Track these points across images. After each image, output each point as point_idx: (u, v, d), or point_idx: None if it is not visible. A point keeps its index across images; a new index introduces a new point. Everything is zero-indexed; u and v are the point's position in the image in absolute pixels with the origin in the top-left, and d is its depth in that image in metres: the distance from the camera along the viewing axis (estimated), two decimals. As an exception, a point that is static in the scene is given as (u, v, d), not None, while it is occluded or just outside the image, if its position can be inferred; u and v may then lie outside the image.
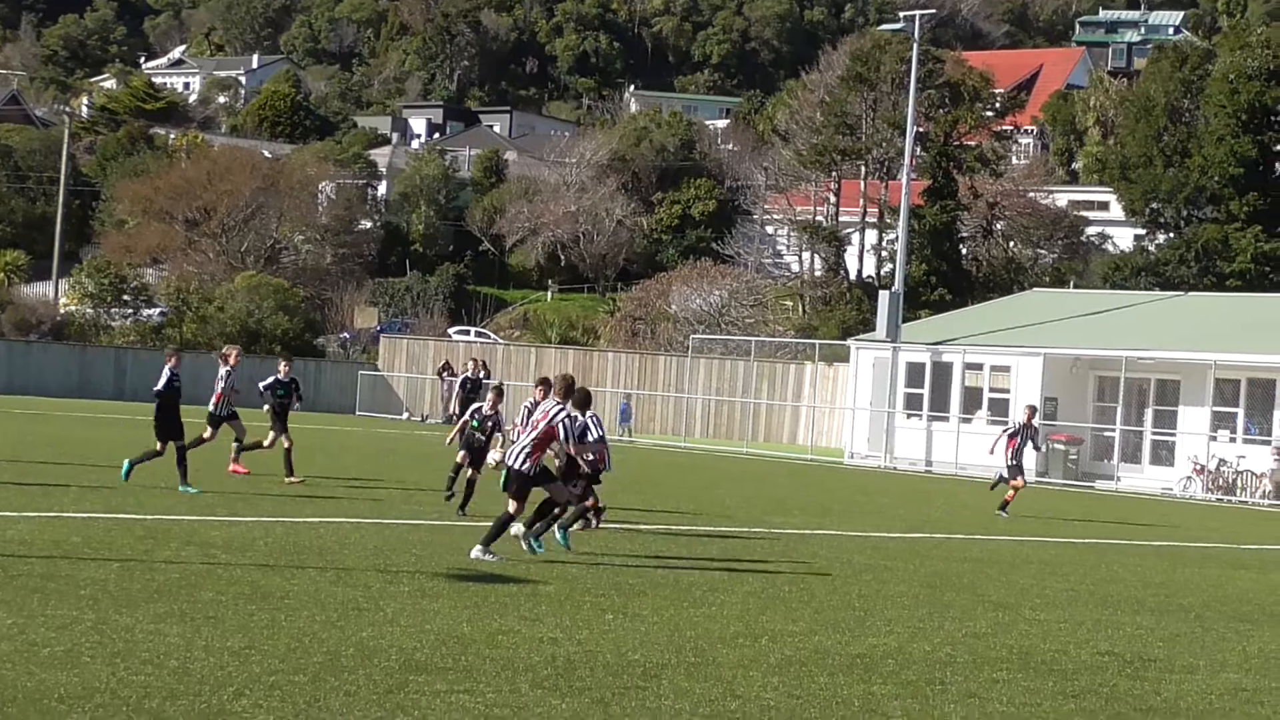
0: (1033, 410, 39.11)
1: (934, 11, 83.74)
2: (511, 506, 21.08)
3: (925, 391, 61.19)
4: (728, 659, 14.91)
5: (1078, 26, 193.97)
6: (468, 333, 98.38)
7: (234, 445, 32.43)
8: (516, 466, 21.17)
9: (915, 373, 61.78)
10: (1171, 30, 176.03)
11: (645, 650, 15.03)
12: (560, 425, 21.49)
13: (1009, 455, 37.11)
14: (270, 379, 33.26)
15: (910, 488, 47.69)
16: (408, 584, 18.28)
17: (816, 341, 75.05)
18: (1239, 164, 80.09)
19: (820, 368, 72.24)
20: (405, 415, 79.41)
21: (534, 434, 21.31)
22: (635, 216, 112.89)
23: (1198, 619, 20.13)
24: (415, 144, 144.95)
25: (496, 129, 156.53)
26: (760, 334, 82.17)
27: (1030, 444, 38.34)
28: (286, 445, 31.70)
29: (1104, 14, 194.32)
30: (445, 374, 73.20)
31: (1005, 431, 38.54)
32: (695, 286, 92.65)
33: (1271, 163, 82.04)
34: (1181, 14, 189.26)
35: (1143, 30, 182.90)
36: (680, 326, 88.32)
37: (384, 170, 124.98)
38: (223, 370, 31.86)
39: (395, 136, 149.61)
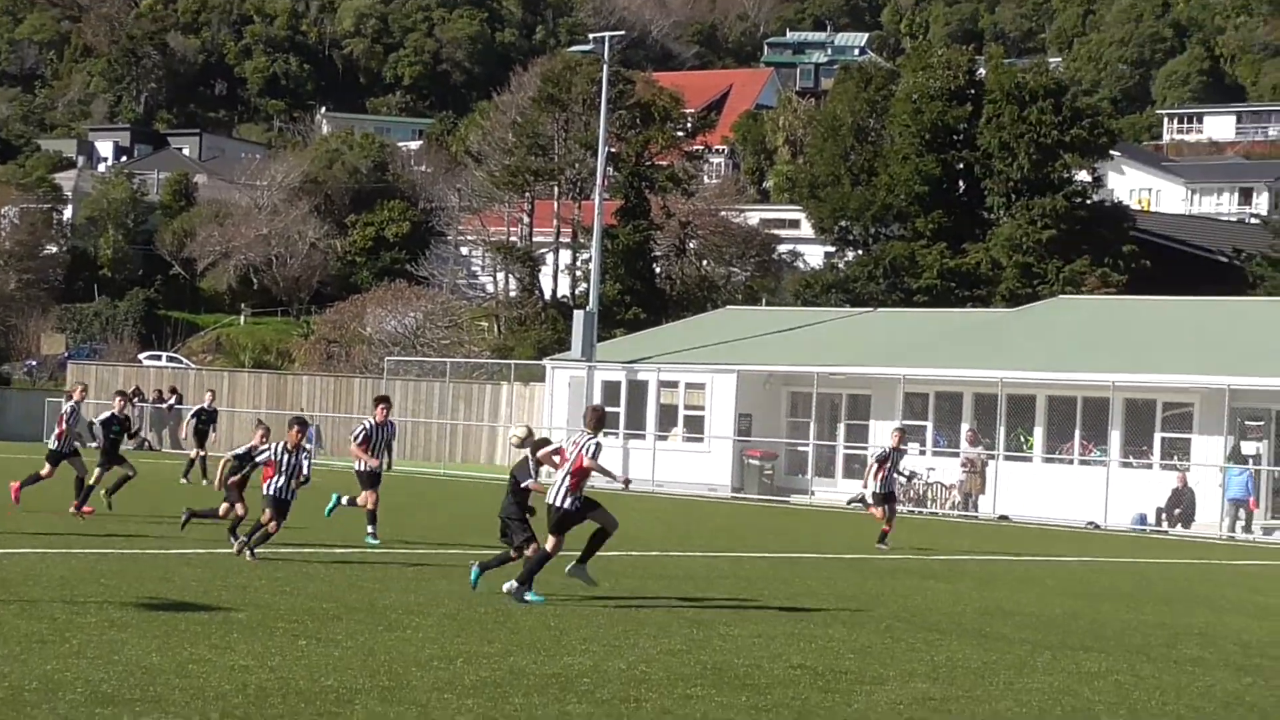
0: (901, 434, 37.66)
1: (624, 33, 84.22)
2: (550, 544, 21.35)
3: (621, 410, 61.51)
4: (423, 682, 14.81)
5: (766, 48, 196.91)
6: (159, 358, 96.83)
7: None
8: (560, 505, 21.29)
9: (611, 391, 62.06)
10: (857, 51, 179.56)
11: (339, 675, 14.87)
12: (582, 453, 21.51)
13: (878, 482, 35.60)
14: (106, 415, 33.18)
15: (607, 505, 47.80)
16: (95, 614, 17.88)
17: (512, 362, 75.18)
18: (924, 182, 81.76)
19: (516, 388, 72.30)
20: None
21: (568, 469, 21.43)
22: (329, 239, 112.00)
23: (888, 630, 20.45)
24: (102, 167, 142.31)
25: (186, 152, 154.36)
26: (456, 355, 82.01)
27: (895, 471, 36.65)
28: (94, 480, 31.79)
29: (791, 35, 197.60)
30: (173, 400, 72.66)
31: (874, 458, 37.29)
32: (390, 308, 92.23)
33: (955, 180, 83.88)
34: (866, 35, 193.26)
35: (829, 51, 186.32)
36: (375, 349, 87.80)
37: (69, 194, 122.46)
38: (66, 406, 31.98)
39: (81, 160, 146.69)
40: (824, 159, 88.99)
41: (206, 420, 45.58)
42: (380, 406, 29.73)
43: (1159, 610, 25.19)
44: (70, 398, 32.23)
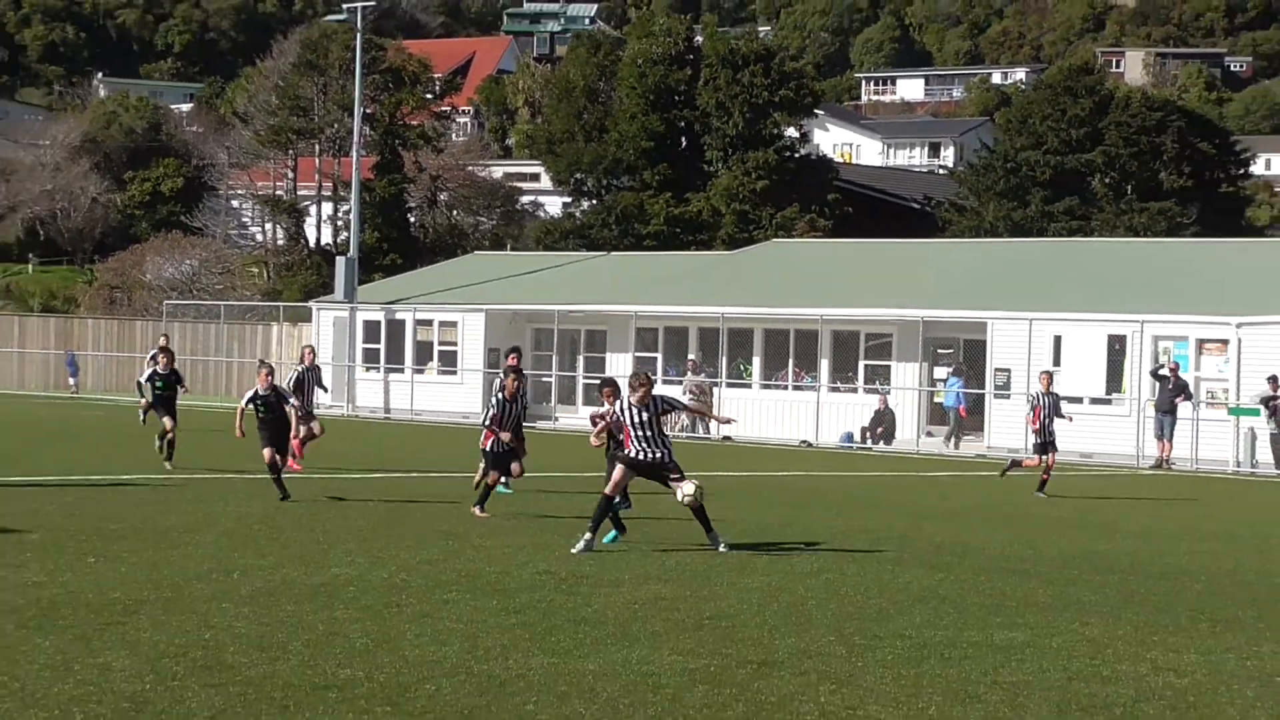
0: (1049, 377, 32.89)
1: (375, 3, 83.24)
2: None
3: (381, 346, 61.20)
4: (202, 593, 14.64)
5: (505, 17, 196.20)
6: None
7: None
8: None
9: (372, 330, 61.72)
10: (587, 20, 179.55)
11: (125, 589, 14.65)
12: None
13: (1035, 430, 31.63)
14: (148, 371, 32.03)
15: (371, 433, 47.58)
16: (-108, 542, 17.40)
17: (281, 304, 74.26)
18: (649, 139, 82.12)
19: (286, 328, 71.45)
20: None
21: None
22: (109, 194, 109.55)
23: (624, 539, 20.56)
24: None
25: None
26: (230, 299, 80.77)
27: (1055, 414, 31.60)
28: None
29: (528, 6, 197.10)
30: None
31: (1030, 405, 32.57)
32: (168, 257, 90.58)
33: (678, 137, 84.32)
34: (595, 6, 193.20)
35: (562, 21, 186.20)
36: (155, 294, 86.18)
37: None
38: None
39: None
40: (560, 118, 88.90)
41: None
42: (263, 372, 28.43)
43: (863, 516, 25.61)
44: None
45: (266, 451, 23.46)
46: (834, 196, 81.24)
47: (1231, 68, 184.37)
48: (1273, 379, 44.44)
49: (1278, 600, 17.22)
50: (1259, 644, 14.24)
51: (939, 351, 52.86)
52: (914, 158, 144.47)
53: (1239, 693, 12.06)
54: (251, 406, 24.18)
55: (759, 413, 53.00)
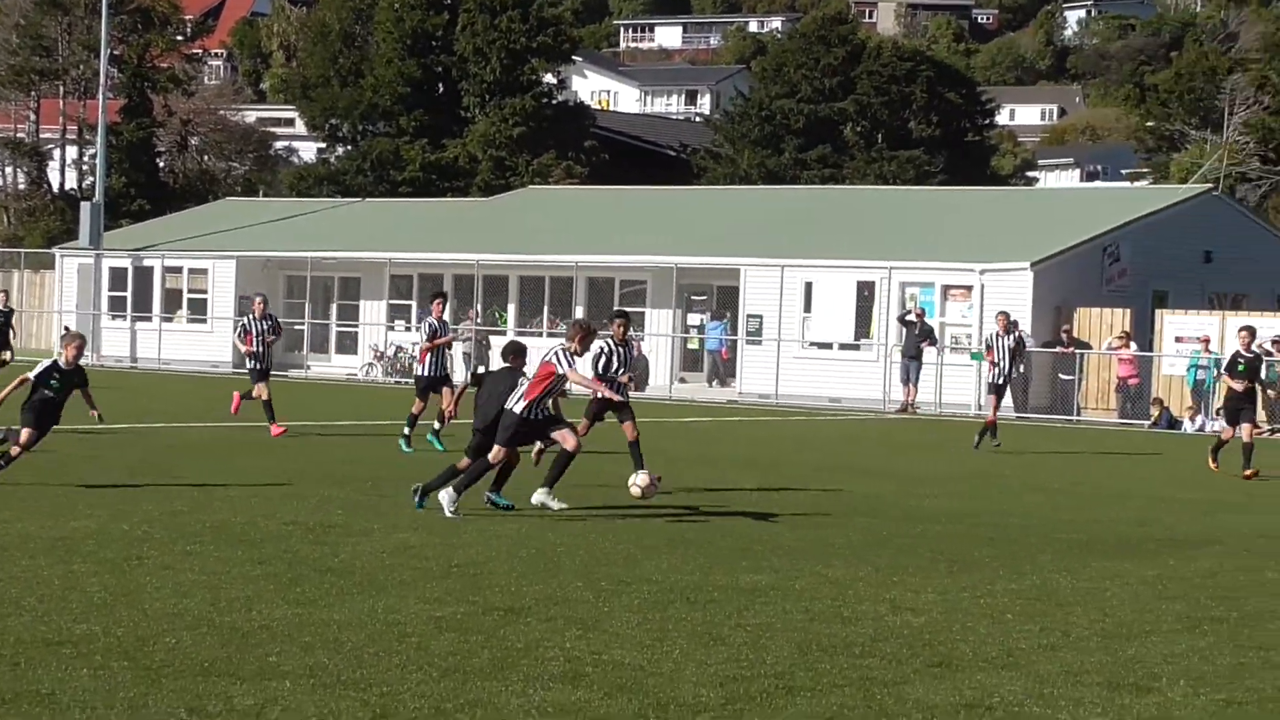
0: (1006, 318, 32.53)
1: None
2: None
3: (128, 294, 60.03)
4: (-65, 550, 14.29)
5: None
6: None
7: None
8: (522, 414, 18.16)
9: (118, 277, 60.47)
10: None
11: None
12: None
13: (993, 375, 30.77)
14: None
15: (117, 382, 46.68)
16: None
17: (23, 250, 72.50)
18: (406, 84, 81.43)
19: (28, 275, 69.80)
20: None
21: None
22: None
23: (374, 488, 20.47)
24: None
25: None
26: (-32, 245, 78.72)
27: (1012, 361, 30.67)
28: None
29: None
30: None
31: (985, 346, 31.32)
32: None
33: (435, 82, 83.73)
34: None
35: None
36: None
37: None
38: None
39: None
40: (315, 63, 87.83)
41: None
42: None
43: (615, 464, 25.55)
44: None
45: (26, 433, 19.31)
46: (591, 144, 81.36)
47: (978, 20, 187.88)
48: (1001, 313, 45.43)
49: (1013, 541, 17.67)
50: (993, 583, 14.61)
51: (693, 298, 53.31)
52: (671, 105, 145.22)
53: (973, 630, 12.37)
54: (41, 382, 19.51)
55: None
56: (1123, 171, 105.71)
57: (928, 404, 45.68)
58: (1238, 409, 27.20)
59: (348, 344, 58.15)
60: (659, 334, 52.19)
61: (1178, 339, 45.68)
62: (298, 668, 10.32)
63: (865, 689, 10.28)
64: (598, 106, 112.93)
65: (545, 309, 54.99)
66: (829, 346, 48.22)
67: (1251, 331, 27.97)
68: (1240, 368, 26.93)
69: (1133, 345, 45.34)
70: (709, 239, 52.89)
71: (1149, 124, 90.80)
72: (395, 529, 16.72)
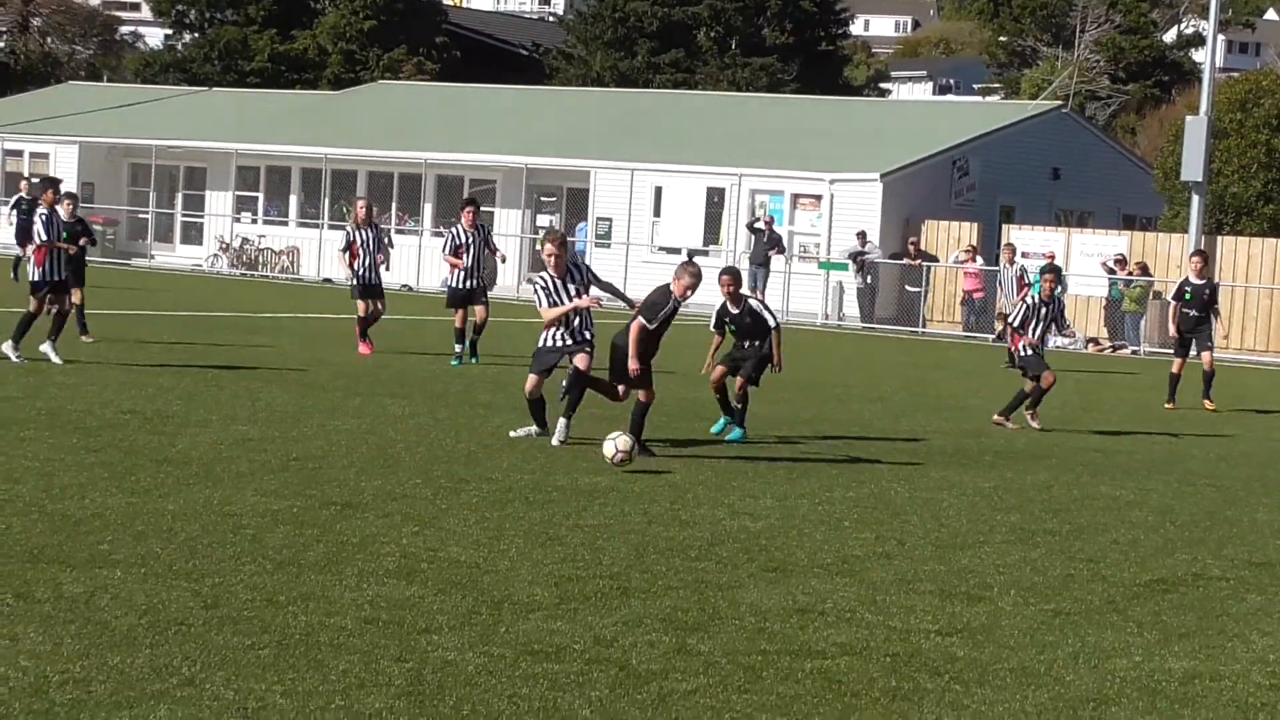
0: (1012, 250, 33.47)
1: None
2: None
3: (-34, 178, 58.87)
4: None
5: None
6: None
7: None
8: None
9: (-44, 160, 59.32)
10: None
11: None
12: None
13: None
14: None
15: None
16: None
17: None
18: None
19: None
20: None
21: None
22: None
23: (214, 379, 20.27)
24: None
25: None
26: None
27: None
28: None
29: None
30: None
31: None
32: None
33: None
34: None
35: None
36: None
37: None
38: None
39: None
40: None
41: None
42: None
43: (460, 364, 25.51)
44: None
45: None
46: (442, 40, 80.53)
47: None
48: (861, 234, 45.84)
49: (852, 447, 17.84)
50: (831, 490, 14.74)
51: (542, 199, 53.13)
52: (525, 4, 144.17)
53: (809, 536, 12.48)
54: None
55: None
56: (974, 86, 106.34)
57: (775, 312, 45.92)
58: (1186, 340, 25.75)
59: (193, 235, 57.46)
60: (508, 234, 51.98)
61: (1024, 254, 46.19)
62: (129, 556, 10.22)
63: (699, 591, 10.34)
64: (450, 2, 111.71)
65: (394, 205, 54.59)
66: (678, 251, 48.26)
67: (1204, 258, 26.69)
68: (1188, 295, 25.69)
69: (979, 259, 45.80)
70: (560, 141, 52.71)
71: (1001, 39, 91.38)
72: (234, 421, 16.57)
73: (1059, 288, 21.85)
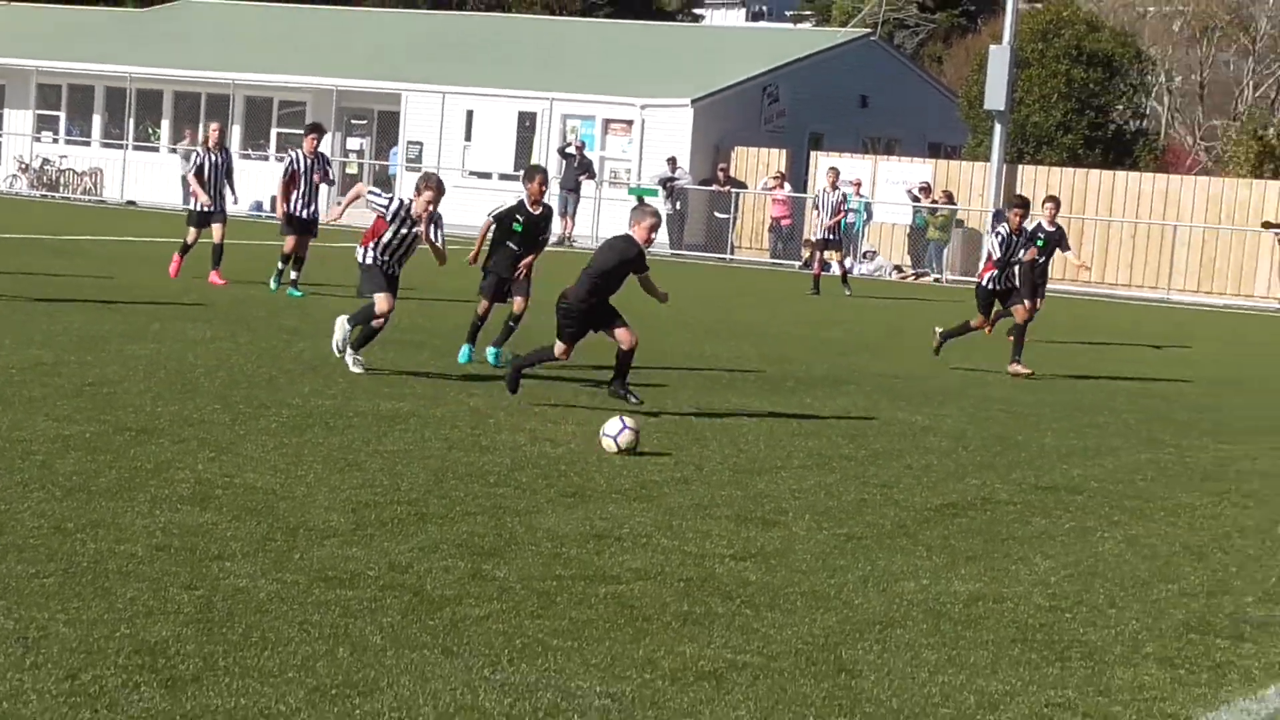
0: (835, 174, 35.24)
1: None
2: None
3: None
4: None
5: None
6: None
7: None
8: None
9: None
10: None
11: None
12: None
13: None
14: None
15: None
16: None
17: None
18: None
19: None
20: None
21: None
22: None
23: (9, 302, 19.88)
24: None
25: None
26: None
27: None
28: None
29: None
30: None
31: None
32: None
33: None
34: None
35: None
36: None
37: None
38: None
39: None
40: None
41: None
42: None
43: (265, 290, 25.20)
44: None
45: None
46: (252, -42, 79.29)
47: None
48: (671, 160, 45.95)
49: (654, 376, 17.90)
50: (632, 416, 14.80)
51: (353, 122, 52.63)
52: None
53: (608, 462, 12.53)
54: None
55: (166, 178, 51.73)
56: (787, 13, 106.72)
57: (585, 237, 45.91)
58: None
59: (-8, 156, 56.25)
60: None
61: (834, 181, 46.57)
62: (-87, 485, 10.02)
63: (497, 517, 10.36)
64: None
65: (201, 127, 53.75)
66: (488, 176, 48.10)
67: (1056, 204, 25.15)
68: (1040, 241, 24.19)
69: (787, 185, 46.13)
70: (370, 62, 52.20)
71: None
72: (27, 344, 16.27)
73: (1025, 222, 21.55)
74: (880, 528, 10.95)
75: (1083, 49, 48.50)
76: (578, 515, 10.60)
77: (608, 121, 48.34)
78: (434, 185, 16.28)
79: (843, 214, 35.83)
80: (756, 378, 18.51)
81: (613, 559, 9.52)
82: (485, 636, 7.78)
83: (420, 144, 49.93)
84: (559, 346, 14.87)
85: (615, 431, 12.78)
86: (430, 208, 16.35)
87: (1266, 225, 42.10)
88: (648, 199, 46.68)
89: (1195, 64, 62.57)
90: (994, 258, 21.31)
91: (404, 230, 16.34)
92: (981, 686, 7.58)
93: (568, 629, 8.03)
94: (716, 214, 46.21)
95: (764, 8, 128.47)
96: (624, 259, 14.79)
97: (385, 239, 16.36)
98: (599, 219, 45.92)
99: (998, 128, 44.96)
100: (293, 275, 24.39)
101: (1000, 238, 21.31)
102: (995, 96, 44.69)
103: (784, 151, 47.58)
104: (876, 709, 7.17)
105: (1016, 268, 21.64)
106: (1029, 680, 7.74)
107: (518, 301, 17.75)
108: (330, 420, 13.36)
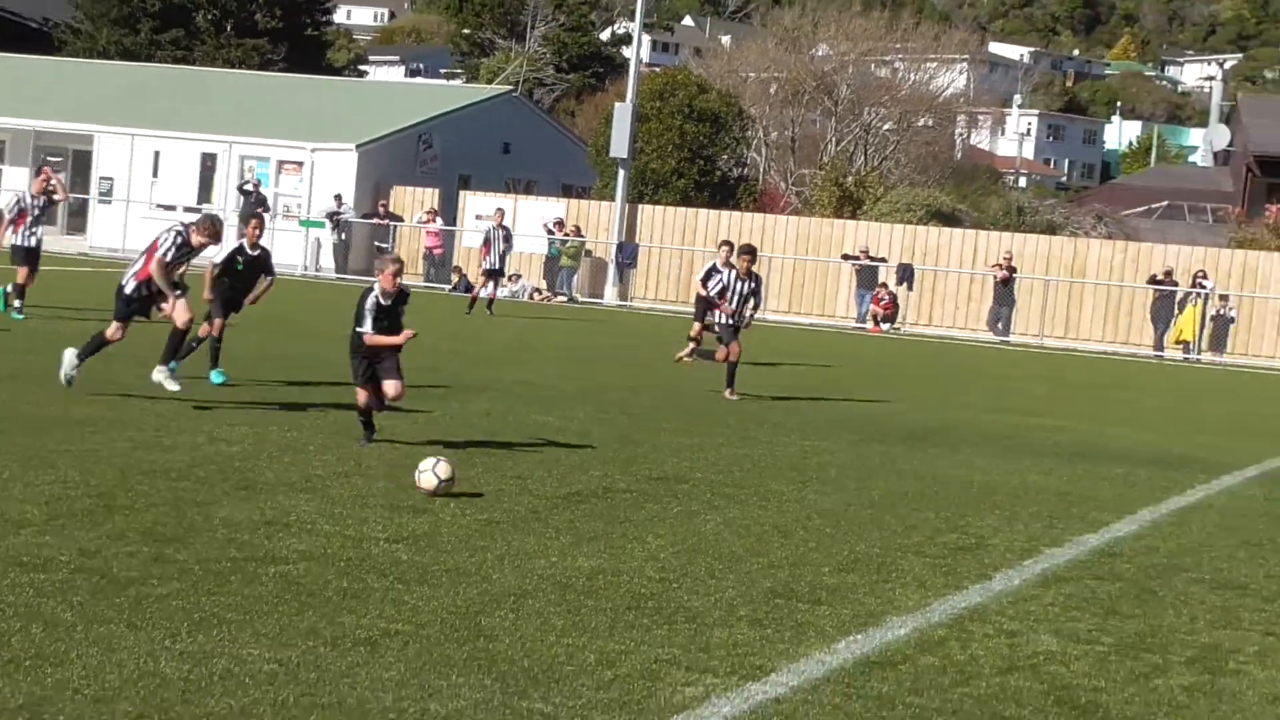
0: (501, 214, 32.47)
1: None
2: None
3: None
4: None
5: None
6: None
7: None
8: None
9: None
10: None
11: None
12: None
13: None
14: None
15: None
16: None
17: None
18: None
19: None
20: None
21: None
22: None
23: None
24: None
25: None
26: None
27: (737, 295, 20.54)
28: None
29: None
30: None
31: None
32: None
33: None
34: None
35: None
36: None
37: None
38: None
39: None
40: None
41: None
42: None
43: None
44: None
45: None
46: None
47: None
48: (338, 196, 45.52)
49: (318, 389, 17.70)
50: (300, 418, 14.63)
51: (48, 158, 50.91)
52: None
53: (278, 459, 12.35)
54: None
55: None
56: (441, 71, 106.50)
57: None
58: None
59: None
60: (14, 189, 49.65)
61: (478, 216, 46.71)
62: None
63: (178, 508, 10.15)
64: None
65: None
66: (174, 208, 47.00)
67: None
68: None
69: (439, 220, 46.06)
70: (66, 107, 50.61)
71: (465, 31, 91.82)
72: None
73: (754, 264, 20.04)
74: (516, 513, 11.01)
75: (694, 107, 49.46)
76: (250, 506, 10.45)
77: (281, 162, 47.65)
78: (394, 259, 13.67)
79: (507, 245, 35.44)
80: (410, 386, 18.38)
81: (281, 543, 9.41)
82: (166, 612, 7.63)
83: (111, 179, 48.54)
84: None
85: (431, 465, 11.34)
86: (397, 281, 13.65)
87: (846, 257, 43.55)
88: (312, 230, 46.19)
89: (788, 121, 64.23)
90: (713, 295, 20.13)
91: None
92: (601, 646, 7.70)
93: (240, 604, 7.92)
94: (377, 243, 45.85)
95: (420, 65, 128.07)
96: (358, 305, 13.41)
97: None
98: (274, 248, 45.08)
99: (621, 172, 45.56)
100: (16, 303, 23.47)
101: (721, 280, 20.03)
102: (619, 145, 45.30)
103: (437, 190, 47.50)
104: (511, 668, 7.24)
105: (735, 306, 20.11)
106: (641, 640, 7.88)
107: (217, 323, 16.84)
108: (29, 424, 12.92)
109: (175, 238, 14.97)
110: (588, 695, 6.92)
